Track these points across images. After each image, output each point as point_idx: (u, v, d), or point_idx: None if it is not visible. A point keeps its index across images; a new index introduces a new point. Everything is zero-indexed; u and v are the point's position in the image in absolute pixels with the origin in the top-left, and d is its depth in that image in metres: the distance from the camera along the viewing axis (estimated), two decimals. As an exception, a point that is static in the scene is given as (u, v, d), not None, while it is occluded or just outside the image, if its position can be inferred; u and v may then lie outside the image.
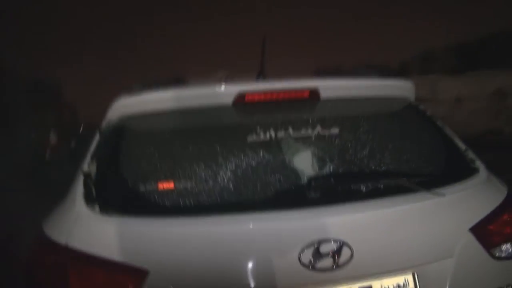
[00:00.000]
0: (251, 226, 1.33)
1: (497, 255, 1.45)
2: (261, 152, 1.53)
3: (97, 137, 1.72)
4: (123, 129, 1.66)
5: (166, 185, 1.46)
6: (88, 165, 1.57)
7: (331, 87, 1.73)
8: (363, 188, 1.44)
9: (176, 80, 2.23)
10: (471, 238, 1.42)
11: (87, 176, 1.52)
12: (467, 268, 1.40)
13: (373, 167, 1.58)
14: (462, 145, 1.78)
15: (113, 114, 1.75)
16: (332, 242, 1.30)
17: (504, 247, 1.47)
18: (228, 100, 1.64)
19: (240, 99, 1.63)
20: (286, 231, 1.33)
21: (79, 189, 1.48)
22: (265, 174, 1.48)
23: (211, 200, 1.42)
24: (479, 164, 1.69)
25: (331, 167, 1.57)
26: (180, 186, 1.45)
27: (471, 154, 1.74)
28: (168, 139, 1.62)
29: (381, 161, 1.60)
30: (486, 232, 1.45)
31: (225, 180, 1.46)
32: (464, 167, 1.65)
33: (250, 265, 1.29)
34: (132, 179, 1.48)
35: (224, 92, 1.66)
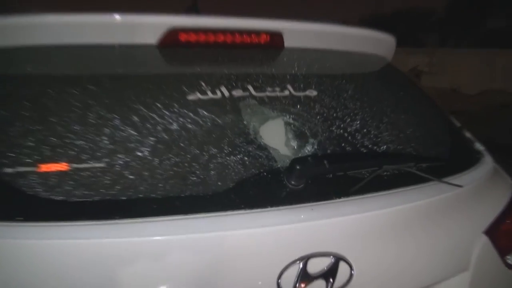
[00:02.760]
0: (199, 237, 0.83)
1: (510, 262, 1.15)
2: (206, 120, 1.01)
3: None
4: None
5: (57, 167, 0.86)
6: None
7: (298, 33, 1.24)
8: (358, 178, 1.01)
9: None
10: (486, 243, 1.10)
11: None
12: (482, 282, 1.08)
13: (368, 147, 1.13)
14: (456, 122, 1.44)
15: None
16: (325, 257, 0.88)
17: None
18: (151, 38, 1.08)
19: (171, 38, 1.08)
20: (256, 242, 0.86)
21: None
22: (216, 153, 0.95)
23: (135, 195, 0.86)
24: (479, 146, 1.37)
25: (313, 146, 1.08)
26: (84, 169, 0.86)
27: (468, 134, 1.42)
28: (52, 91, 0.97)
29: (375, 139, 1.16)
30: (500, 235, 1.14)
31: (154, 161, 0.90)
32: (467, 151, 1.32)
33: None
34: None
35: (145, 25, 1.08)
